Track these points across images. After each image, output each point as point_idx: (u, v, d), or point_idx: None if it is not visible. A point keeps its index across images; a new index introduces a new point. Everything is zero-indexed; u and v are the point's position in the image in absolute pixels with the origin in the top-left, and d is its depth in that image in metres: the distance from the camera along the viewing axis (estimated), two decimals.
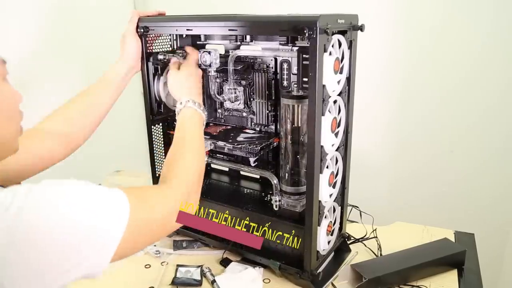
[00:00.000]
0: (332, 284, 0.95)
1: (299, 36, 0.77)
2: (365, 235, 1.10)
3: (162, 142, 1.12)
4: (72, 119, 0.85)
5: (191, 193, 0.69)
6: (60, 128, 0.82)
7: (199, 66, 1.03)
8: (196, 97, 0.87)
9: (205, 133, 1.08)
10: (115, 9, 1.85)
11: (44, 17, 1.53)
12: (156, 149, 1.11)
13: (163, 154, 1.14)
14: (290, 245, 0.96)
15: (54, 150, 0.80)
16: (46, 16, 1.54)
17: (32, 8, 1.47)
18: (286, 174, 0.99)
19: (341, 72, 0.88)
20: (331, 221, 0.97)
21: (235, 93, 1.06)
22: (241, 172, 1.18)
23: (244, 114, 1.10)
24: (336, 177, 0.96)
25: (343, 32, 0.86)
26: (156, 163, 1.11)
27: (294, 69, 0.97)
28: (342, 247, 1.07)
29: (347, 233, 1.09)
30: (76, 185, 0.52)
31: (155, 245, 1.10)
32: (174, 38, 1.09)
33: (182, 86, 0.90)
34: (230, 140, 1.02)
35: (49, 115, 0.85)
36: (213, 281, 0.95)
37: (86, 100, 0.89)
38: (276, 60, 1.00)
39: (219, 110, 1.16)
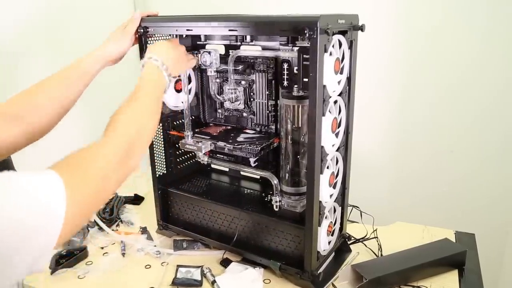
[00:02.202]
0: (333, 285, 0.95)
1: (299, 36, 0.77)
2: (366, 235, 1.10)
3: (162, 142, 1.12)
4: (40, 105, 0.79)
5: (130, 151, 0.63)
6: (24, 114, 0.76)
7: (199, 66, 1.03)
8: (167, 61, 0.83)
9: (205, 133, 1.08)
10: (115, 9, 1.85)
11: (44, 17, 1.53)
12: (156, 149, 1.11)
13: (163, 154, 1.14)
14: (290, 245, 0.96)
15: (15, 137, 0.74)
16: (46, 16, 1.54)
17: (32, 8, 1.47)
18: (287, 175, 0.99)
19: (341, 72, 0.87)
20: (331, 222, 0.97)
21: (235, 93, 1.06)
22: (241, 173, 1.18)
23: (244, 114, 1.10)
24: (336, 177, 0.95)
25: (343, 32, 0.86)
26: (156, 163, 1.11)
27: (295, 69, 0.97)
28: (342, 248, 1.07)
29: (348, 234, 1.09)
30: (5, 177, 0.48)
31: (155, 245, 1.10)
32: (174, 38, 1.09)
33: (154, 45, 0.88)
34: (230, 141, 1.02)
35: (12, 98, 0.78)
36: (214, 282, 0.95)
37: (57, 87, 0.83)
38: (276, 60, 1.00)
39: (219, 110, 1.16)
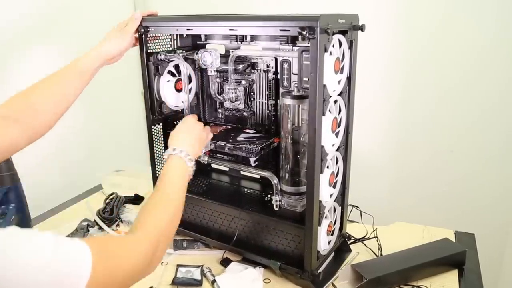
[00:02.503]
0: (333, 284, 0.95)
1: (299, 36, 0.77)
2: (366, 235, 1.10)
3: (162, 142, 1.12)
4: (37, 106, 0.79)
5: (158, 247, 0.64)
6: (23, 115, 0.76)
7: (199, 66, 1.03)
8: (189, 148, 0.84)
9: None
10: (115, 9, 1.85)
11: (44, 16, 1.53)
12: (156, 149, 1.11)
13: (163, 154, 1.14)
14: (290, 245, 0.96)
15: (15, 139, 0.74)
16: (46, 16, 1.54)
17: (32, 8, 1.47)
18: (287, 174, 0.99)
19: (341, 72, 0.88)
20: (331, 221, 0.97)
21: (236, 93, 1.06)
22: (242, 172, 1.18)
23: (245, 114, 1.10)
24: (336, 177, 0.96)
25: (343, 32, 0.86)
26: (156, 163, 1.11)
27: (295, 69, 0.97)
28: (342, 247, 1.07)
29: (348, 233, 1.09)
30: (38, 240, 0.49)
31: None
32: (175, 38, 1.09)
33: (175, 135, 0.88)
34: (231, 140, 1.02)
35: (9, 100, 0.78)
36: (214, 281, 0.95)
37: (55, 88, 0.83)
38: (276, 60, 1.00)
39: (220, 110, 1.16)
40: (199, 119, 1.16)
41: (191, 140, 0.87)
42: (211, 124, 1.17)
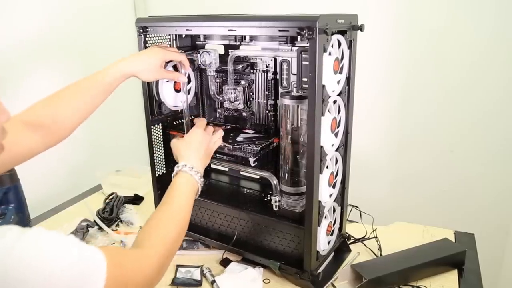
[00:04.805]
0: (332, 285, 0.95)
1: (298, 36, 0.77)
2: (365, 235, 1.10)
3: (162, 142, 1.12)
4: (59, 115, 0.80)
5: (165, 263, 0.68)
6: (43, 122, 0.78)
7: (199, 66, 1.03)
8: (198, 163, 0.85)
9: None
10: (115, 9, 1.85)
11: (44, 16, 1.53)
12: (156, 149, 1.11)
13: (163, 154, 1.14)
14: (290, 245, 0.96)
15: (35, 145, 0.76)
16: (46, 16, 1.54)
17: (32, 8, 1.48)
18: (286, 174, 0.99)
19: (340, 72, 0.87)
20: (331, 221, 0.97)
21: (235, 93, 1.06)
22: (241, 173, 1.18)
23: (244, 114, 1.10)
24: (336, 177, 0.95)
25: (342, 32, 0.86)
26: (156, 163, 1.11)
27: (294, 69, 0.97)
28: (342, 247, 1.07)
29: (347, 233, 1.09)
30: (66, 240, 0.52)
31: None
32: (174, 38, 1.09)
33: (183, 149, 0.88)
34: (230, 140, 1.02)
35: (33, 106, 0.79)
36: (213, 281, 0.95)
37: (80, 98, 0.83)
38: (275, 60, 1.00)
39: (219, 110, 1.16)
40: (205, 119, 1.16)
41: (200, 154, 0.87)
42: (211, 124, 1.17)
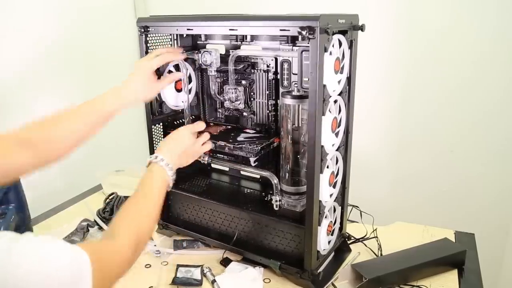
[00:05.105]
0: (333, 284, 0.95)
1: (299, 36, 0.77)
2: (366, 235, 1.10)
3: None
4: (55, 138, 0.79)
5: (137, 251, 0.69)
6: (38, 143, 0.76)
7: (200, 66, 1.03)
8: (173, 158, 0.85)
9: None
10: (115, 9, 1.85)
11: (44, 16, 1.53)
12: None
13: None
14: (290, 245, 0.96)
15: (26, 164, 0.75)
16: (46, 16, 1.54)
17: (32, 8, 1.48)
18: (287, 174, 0.99)
19: (341, 72, 0.88)
20: (331, 221, 0.97)
21: (236, 93, 1.06)
22: (242, 172, 1.18)
23: (245, 114, 1.10)
24: (336, 177, 0.96)
25: (343, 32, 0.86)
26: None
27: (295, 69, 0.97)
28: (342, 247, 1.07)
29: (348, 233, 1.09)
30: (58, 244, 0.54)
31: (155, 245, 1.10)
32: (175, 38, 1.09)
33: (163, 143, 0.90)
34: (231, 140, 1.02)
35: (29, 124, 0.78)
36: (214, 281, 0.95)
37: (77, 123, 0.83)
38: (276, 60, 1.00)
39: (220, 110, 1.16)
40: (199, 119, 1.16)
41: (177, 150, 0.88)
42: (211, 124, 1.17)
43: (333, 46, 0.81)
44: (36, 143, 0.76)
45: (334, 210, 0.99)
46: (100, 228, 1.18)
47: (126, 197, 1.35)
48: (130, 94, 0.89)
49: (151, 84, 0.92)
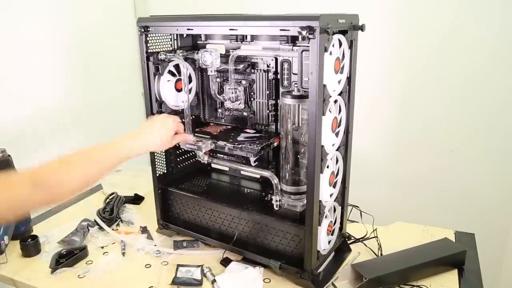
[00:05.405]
0: (333, 284, 0.95)
1: (299, 36, 0.77)
2: (366, 235, 1.10)
3: None
4: (69, 180, 0.81)
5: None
6: (51, 184, 0.79)
7: (200, 66, 1.03)
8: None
9: (206, 133, 1.08)
10: (115, 8, 1.85)
11: (44, 16, 1.53)
12: None
13: (163, 153, 1.14)
14: (290, 245, 0.96)
15: (37, 201, 0.78)
16: (46, 16, 1.54)
17: (32, 8, 1.48)
18: (287, 174, 0.99)
19: (341, 72, 0.88)
20: (331, 221, 0.97)
21: (236, 92, 1.06)
22: (242, 172, 1.18)
23: (245, 113, 1.10)
24: (336, 176, 0.96)
25: (343, 32, 0.86)
26: (156, 163, 1.11)
27: (295, 69, 0.97)
28: (342, 247, 1.07)
29: (348, 233, 1.09)
30: None
31: (155, 245, 1.10)
32: (175, 37, 1.09)
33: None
34: (231, 140, 1.02)
35: (46, 165, 0.80)
36: (214, 281, 0.95)
37: (91, 169, 0.85)
38: (276, 59, 1.00)
39: (220, 110, 1.16)
40: (199, 119, 1.16)
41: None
42: (211, 124, 1.17)
43: (333, 46, 0.81)
44: (50, 185, 0.78)
45: (334, 210, 0.99)
46: (101, 228, 1.18)
47: (126, 197, 1.35)
48: (146, 149, 0.93)
49: (169, 140, 0.96)
